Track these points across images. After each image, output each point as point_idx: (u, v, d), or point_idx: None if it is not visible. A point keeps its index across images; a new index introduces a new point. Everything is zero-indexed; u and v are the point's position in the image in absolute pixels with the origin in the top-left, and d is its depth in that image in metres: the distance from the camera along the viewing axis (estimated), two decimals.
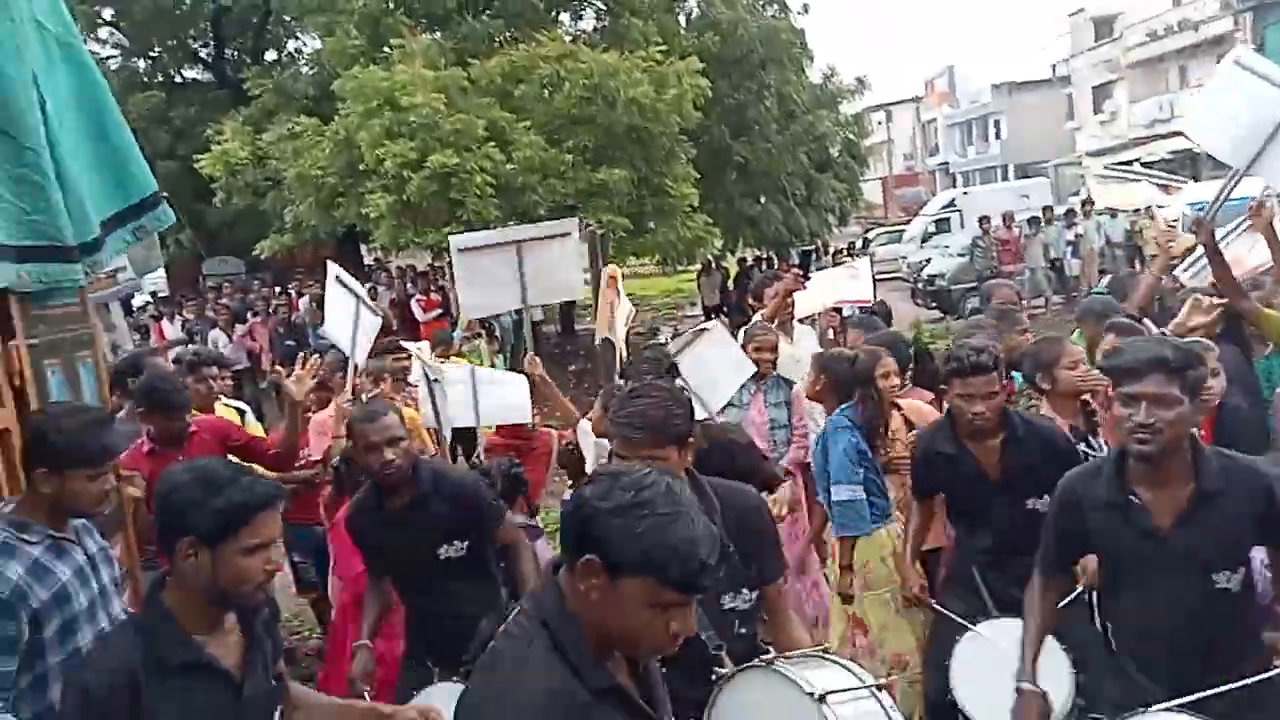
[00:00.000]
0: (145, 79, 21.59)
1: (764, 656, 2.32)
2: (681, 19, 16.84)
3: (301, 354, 4.61)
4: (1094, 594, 3.13)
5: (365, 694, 3.27)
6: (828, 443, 3.91)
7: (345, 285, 5.31)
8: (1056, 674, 2.74)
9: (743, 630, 2.48)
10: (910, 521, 3.75)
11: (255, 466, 4.16)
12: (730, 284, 18.04)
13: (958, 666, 3.08)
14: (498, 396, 5.26)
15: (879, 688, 2.08)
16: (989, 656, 3.01)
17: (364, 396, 5.17)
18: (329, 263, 5.69)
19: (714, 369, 4.55)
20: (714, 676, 2.35)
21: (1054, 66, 42.64)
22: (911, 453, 3.70)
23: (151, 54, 22.12)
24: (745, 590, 2.49)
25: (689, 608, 1.53)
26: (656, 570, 1.47)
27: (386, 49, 14.10)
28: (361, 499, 3.43)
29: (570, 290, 5.58)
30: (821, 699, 2.02)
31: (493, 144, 12.37)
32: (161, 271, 17.20)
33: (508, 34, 15.11)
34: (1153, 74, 33.23)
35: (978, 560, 3.40)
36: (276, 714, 2.21)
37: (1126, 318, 4.14)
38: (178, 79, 22.36)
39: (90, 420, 2.54)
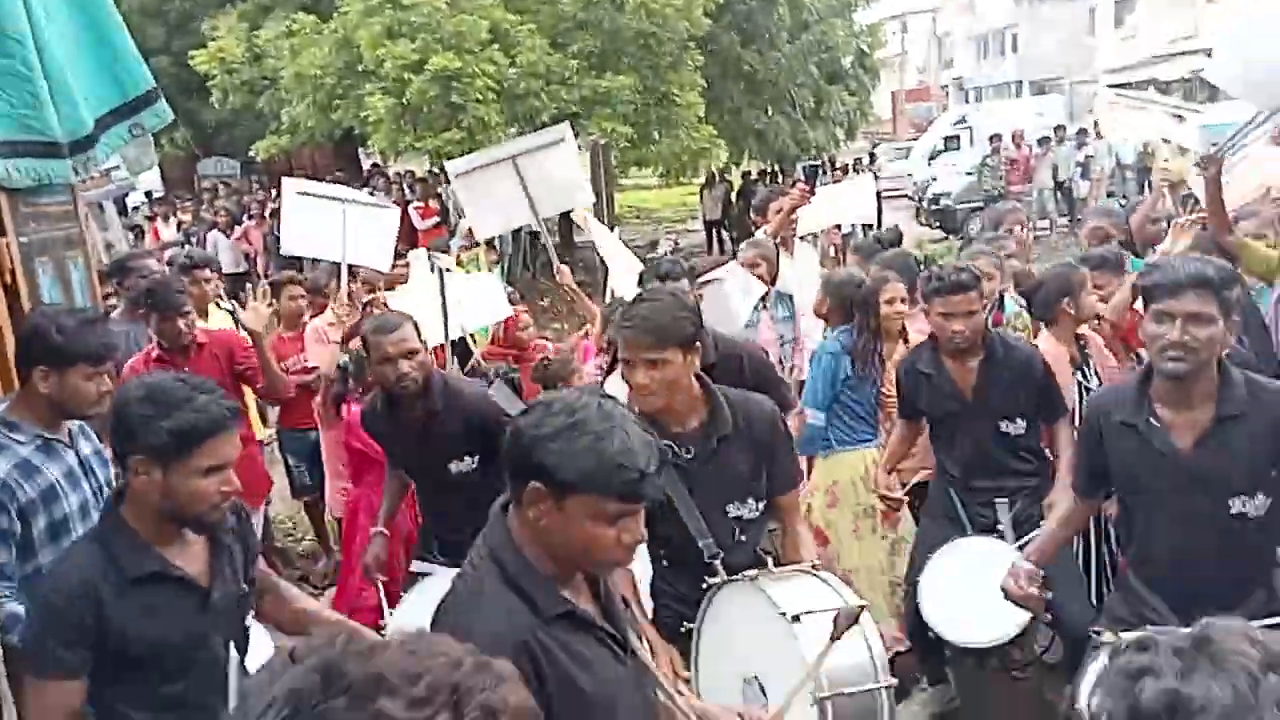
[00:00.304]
0: None
1: (749, 571, 2.36)
2: None
3: (250, 285, 4.56)
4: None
5: (378, 581, 3.40)
6: (813, 361, 3.92)
7: (313, 194, 5.19)
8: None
9: (743, 538, 2.51)
10: (891, 437, 3.79)
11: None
12: (734, 198, 17.82)
13: (926, 584, 3.14)
14: (471, 301, 5.20)
15: (861, 609, 2.12)
16: (957, 574, 3.07)
17: (359, 303, 5.16)
18: (283, 180, 5.57)
19: (730, 303, 4.56)
20: (704, 585, 2.40)
21: None
22: (896, 372, 3.71)
23: None
24: (752, 500, 2.52)
25: (636, 516, 1.58)
26: (599, 486, 1.52)
27: None
28: (373, 404, 3.44)
29: (578, 196, 5.46)
30: (795, 619, 2.05)
31: (495, 47, 12.06)
32: (156, 171, 16.96)
33: None
34: None
35: (953, 482, 3.45)
36: (249, 619, 2.22)
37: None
38: None
39: (89, 319, 2.55)
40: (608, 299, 6.12)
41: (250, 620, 2.23)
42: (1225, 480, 2.30)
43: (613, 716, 1.58)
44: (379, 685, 0.78)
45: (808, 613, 2.10)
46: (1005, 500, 3.25)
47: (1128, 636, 0.95)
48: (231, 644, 2.14)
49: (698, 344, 2.45)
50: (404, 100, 11.89)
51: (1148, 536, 2.46)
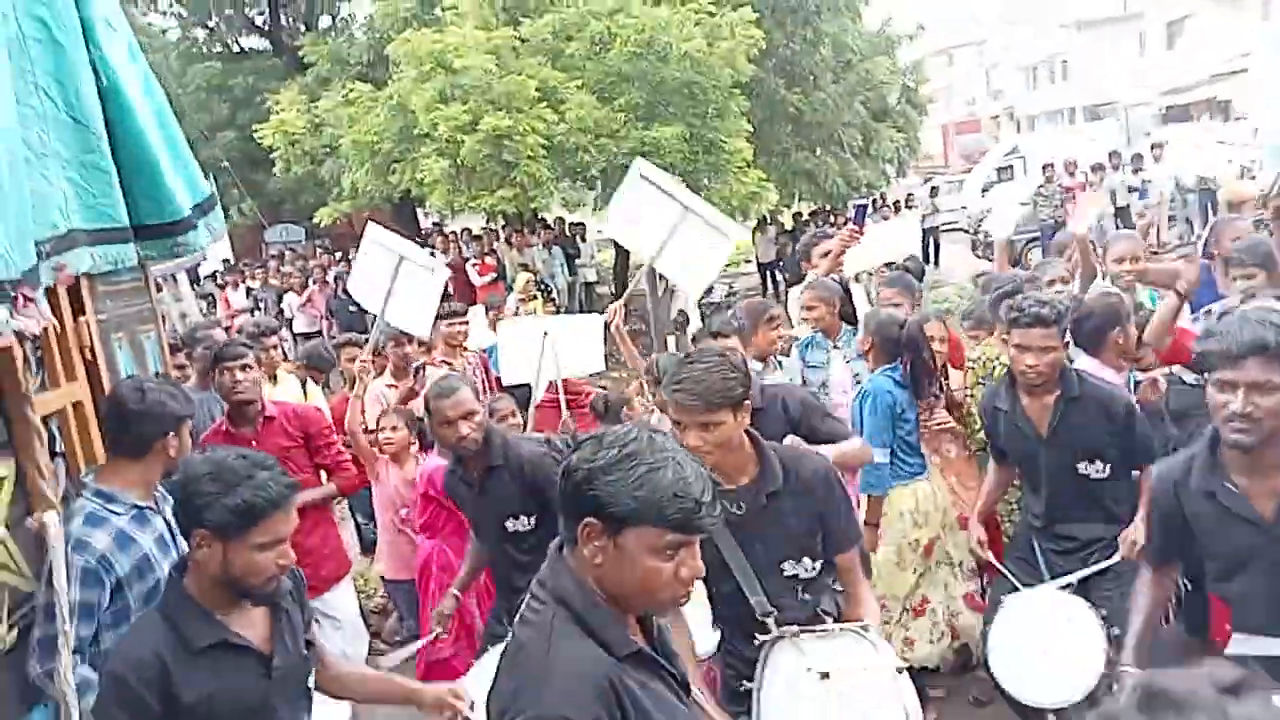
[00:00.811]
0: (204, 49, 21.99)
1: (791, 628, 2.36)
2: None
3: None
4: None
5: (440, 632, 3.55)
6: (864, 402, 3.90)
7: (382, 243, 5.20)
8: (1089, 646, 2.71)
9: (806, 597, 2.48)
10: (985, 480, 3.75)
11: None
12: (786, 240, 17.84)
13: (995, 638, 3.08)
14: (573, 345, 5.26)
15: (898, 670, 2.11)
16: (1026, 627, 3.00)
17: (414, 364, 5.28)
18: (369, 223, 5.59)
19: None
20: (755, 642, 2.39)
21: (1125, 2, 40.90)
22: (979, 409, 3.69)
23: (209, 24, 22.48)
24: (808, 559, 2.48)
25: (693, 549, 1.56)
26: (654, 516, 1.50)
27: (438, 11, 14.12)
28: (452, 465, 3.58)
29: (692, 283, 5.42)
30: (825, 675, 2.04)
31: (544, 104, 12.35)
32: (226, 241, 17.61)
33: None
34: (1232, 4, 31.65)
35: (1032, 524, 3.38)
36: (310, 682, 2.28)
37: None
38: (235, 48, 22.72)
39: (171, 381, 2.77)
40: (668, 345, 6.17)
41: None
42: None
43: None
44: None
45: (838, 669, 2.09)
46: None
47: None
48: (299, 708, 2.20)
49: (747, 402, 2.46)
50: (458, 161, 12.20)
51: (1244, 598, 2.30)
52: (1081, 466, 3.19)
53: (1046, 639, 2.82)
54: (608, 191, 11.38)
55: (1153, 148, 17.43)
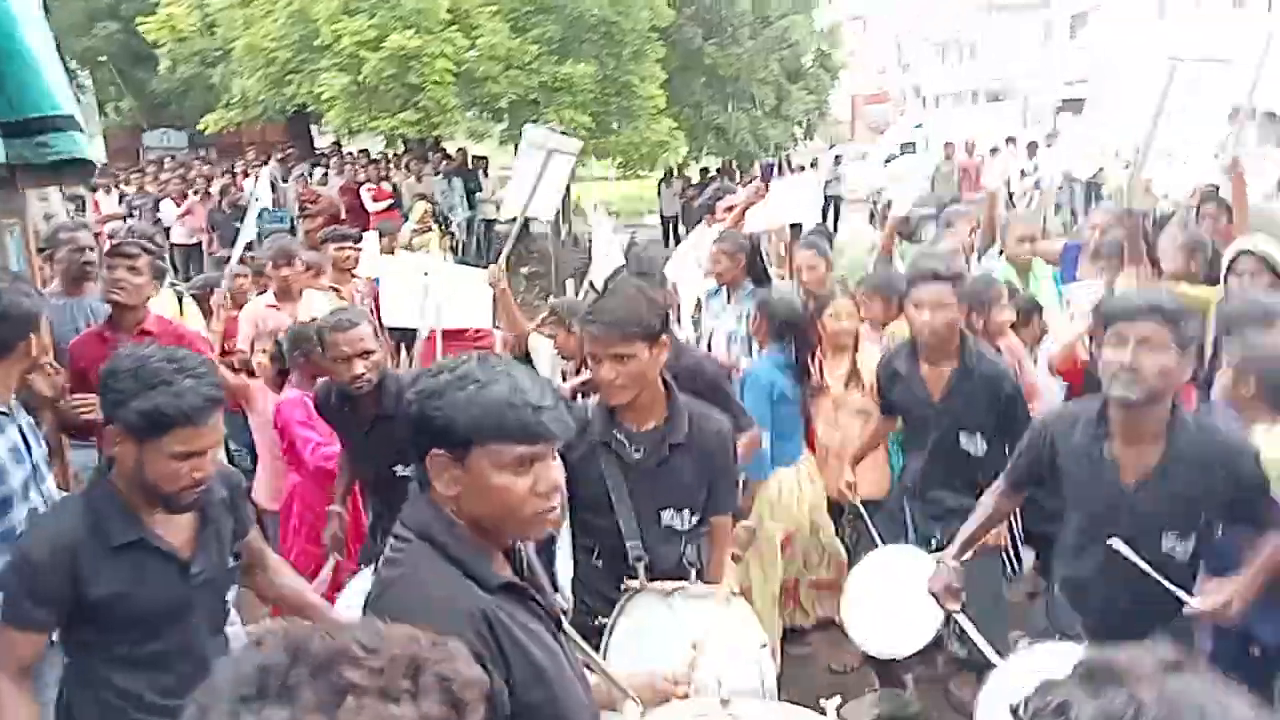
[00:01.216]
0: None
1: (667, 584, 2.36)
2: None
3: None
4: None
5: (336, 557, 3.44)
6: (744, 384, 3.85)
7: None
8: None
9: (677, 547, 2.50)
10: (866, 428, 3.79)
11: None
12: (691, 191, 17.83)
13: (848, 597, 3.13)
14: (457, 297, 5.14)
15: (762, 645, 2.18)
16: (876, 584, 3.07)
17: (295, 289, 5.07)
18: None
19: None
20: (621, 587, 2.38)
21: None
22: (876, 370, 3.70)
23: None
24: (688, 511, 2.50)
25: (546, 460, 1.51)
26: (493, 430, 1.46)
27: None
28: (326, 393, 3.41)
29: (550, 206, 5.47)
30: (695, 645, 2.05)
31: (455, 28, 11.90)
32: (99, 141, 16.49)
33: None
34: (1130, 2, 32.90)
35: (906, 485, 3.46)
36: (230, 594, 2.23)
37: None
38: None
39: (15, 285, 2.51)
40: (582, 292, 6.07)
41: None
42: (1162, 520, 2.34)
43: (559, 687, 1.53)
44: (341, 657, 0.84)
45: (706, 633, 2.10)
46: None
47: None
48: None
49: (664, 338, 2.42)
50: (360, 79, 11.68)
51: (1079, 559, 2.50)
52: (963, 439, 3.26)
53: (896, 593, 2.88)
54: (515, 125, 11.10)
55: (1047, 136, 18.11)
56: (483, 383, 1.46)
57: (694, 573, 2.45)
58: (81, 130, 2.77)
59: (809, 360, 3.92)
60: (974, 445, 3.27)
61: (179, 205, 13.36)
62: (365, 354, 3.15)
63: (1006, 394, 3.26)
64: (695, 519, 2.52)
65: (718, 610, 2.27)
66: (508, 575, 1.55)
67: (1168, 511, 2.34)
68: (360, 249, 6.20)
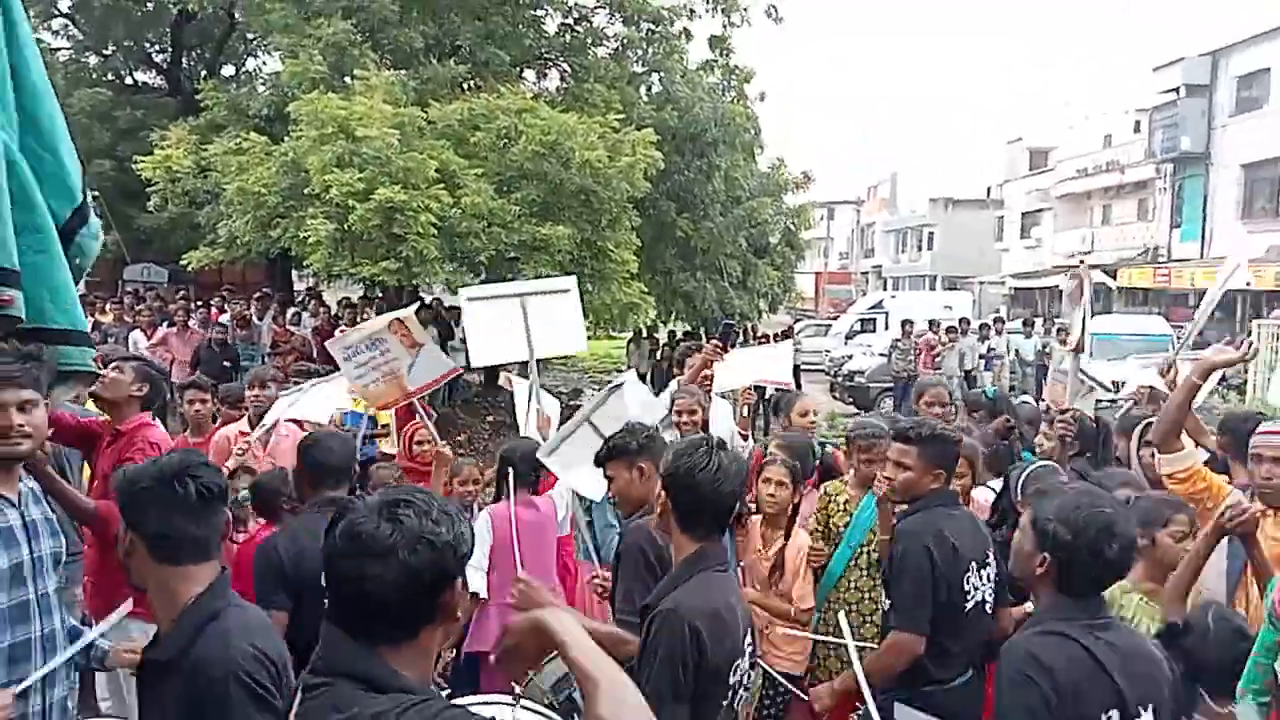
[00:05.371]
0: (94, 75, 21.23)
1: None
2: (642, 91, 17.30)
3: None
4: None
5: None
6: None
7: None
8: None
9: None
10: None
11: None
12: (659, 354, 18.25)
13: None
14: (550, 323, 5.31)
15: None
16: None
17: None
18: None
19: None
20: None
21: (989, 189, 44.75)
22: None
23: (104, 52, 21.78)
24: None
25: None
26: None
27: (348, 79, 14.16)
28: None
29: (573, 343, 5.68)
30: None
31: (442, 186, 12.44)
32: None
33: (471, 82, 15.34)
34: (1079, 208, 35.12)
35: None
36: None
37: None
38: (128, 80, 22.02)
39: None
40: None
41: None
42: None
43: None
44: None
45: None
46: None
47: None
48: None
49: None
50: (346, 226, 12.07)
51: None
52: None
53: None
54: (492, 279, 11.43)
55: (996, 321, 19.07)
56: None
57: None
58: (93, 347, 2.99)
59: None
60: None
61: (149, 337, 13.43)
62: None
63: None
64: None
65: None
66: None
67: None
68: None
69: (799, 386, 18.44)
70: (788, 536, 4.35)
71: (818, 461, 5.24)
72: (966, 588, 3.27)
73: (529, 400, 5.55)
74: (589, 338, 21.41)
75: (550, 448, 4.38)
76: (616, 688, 1.50)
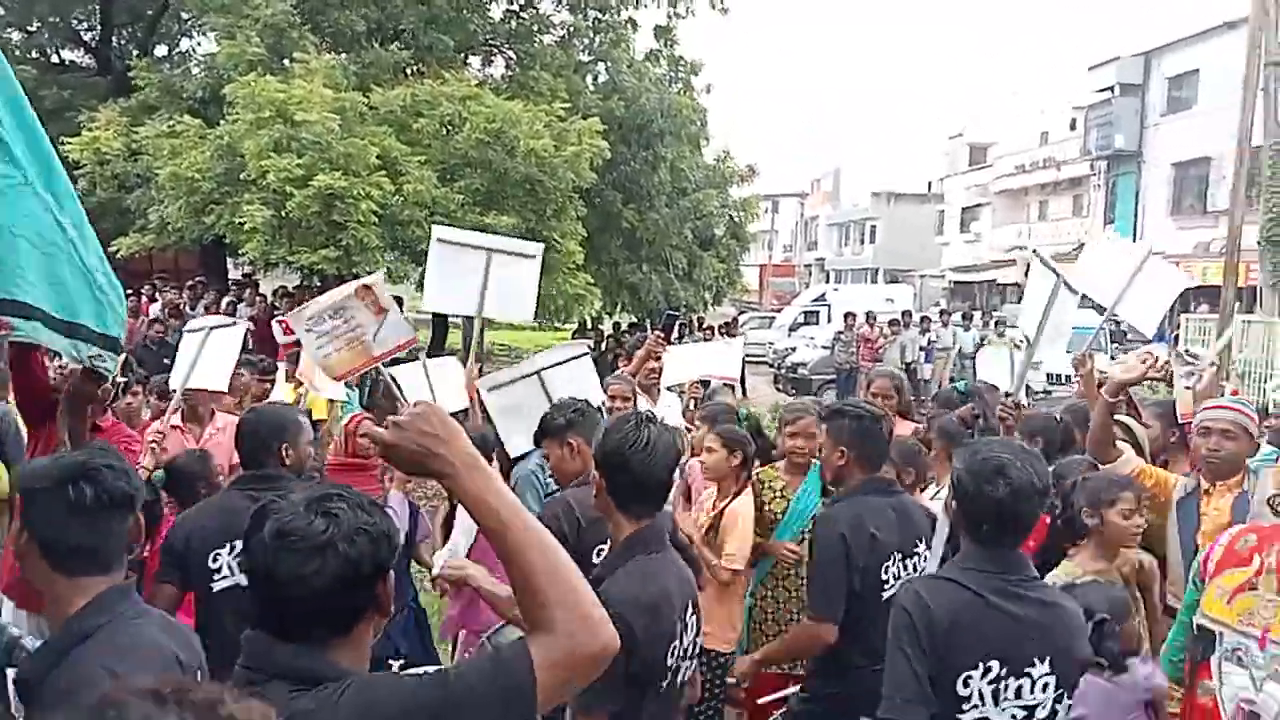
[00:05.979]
0: (18, 53, 20.40)
1: None
2: (589, 80, 17.19)
3: None
4: None
5: None
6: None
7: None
8: None
9: None
10: None
11: None
12: (604, 346, 18.17)
13: None
14: (509, 286, 5.13)
15: None
16: None
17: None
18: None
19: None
20: None
21: (930, 184, 45.49)
22: None
23: (29, 28, 20.94)
24: None
25: None
26: None
27: (287, 62, 13.80)
28: None
29: (522, 312, 5.50)
30: None
31: (383, 173, 12.20)
32: None
33: (415, 67, 15.07)
34: (1016, 203, 35.88)
35: None
36: None
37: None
38: (55, 59, 21.22)
39: None
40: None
41: None
42: None
43: None
44: None
45: None
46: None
47: None
48: None
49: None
50: (284, 213, 11.77)
51: None
52: None
53: None
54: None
55: (941, 314, 19.35)
56: None
57: None
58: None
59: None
60: None
61: None
62: None
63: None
64: None
65: None
66: None
67: None
68: (273, 381, 6.17)
69: (744, 380, 18.60)
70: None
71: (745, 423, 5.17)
72: (885, 576, 3.20)
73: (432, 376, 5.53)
74: (533, 328, 21.38)
75: (494, 383, 4.30)
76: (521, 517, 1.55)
